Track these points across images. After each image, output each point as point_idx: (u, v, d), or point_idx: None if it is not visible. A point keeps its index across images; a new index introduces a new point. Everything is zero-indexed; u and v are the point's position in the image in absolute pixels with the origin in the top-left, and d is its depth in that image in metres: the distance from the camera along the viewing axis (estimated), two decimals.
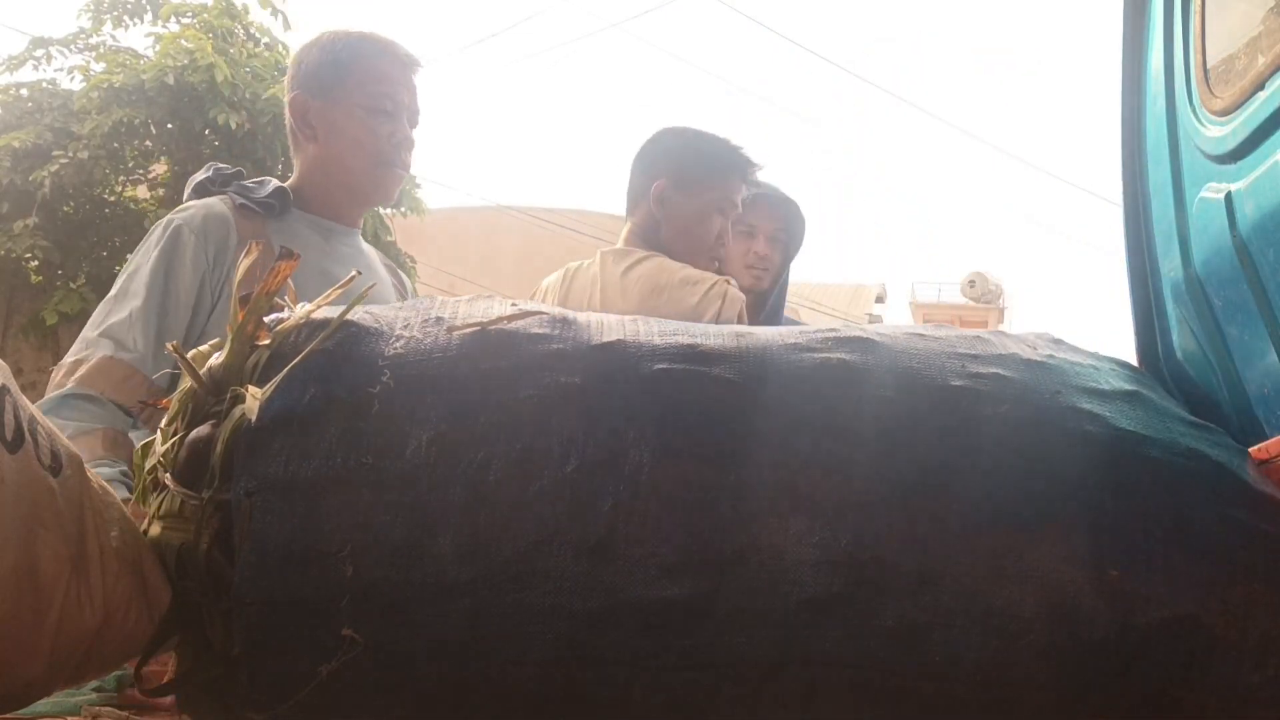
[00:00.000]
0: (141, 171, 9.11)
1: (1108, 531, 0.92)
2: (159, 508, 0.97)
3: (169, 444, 0.97)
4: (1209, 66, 1.33)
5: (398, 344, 0.98)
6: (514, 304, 1.06)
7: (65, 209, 8.66)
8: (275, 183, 1.70)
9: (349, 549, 0.89)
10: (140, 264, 1.57)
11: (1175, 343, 1.34)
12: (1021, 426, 0.96)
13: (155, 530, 0.96)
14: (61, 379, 1.46)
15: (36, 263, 8.56)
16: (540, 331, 1.00)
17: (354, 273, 1.14)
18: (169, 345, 1.02)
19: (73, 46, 9.08)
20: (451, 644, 0.92)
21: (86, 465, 0.91)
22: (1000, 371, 1.01)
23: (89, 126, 8.31)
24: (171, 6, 8.93)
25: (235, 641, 0.91)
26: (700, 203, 1.89)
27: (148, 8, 9.10)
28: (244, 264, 1.04)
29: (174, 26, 8.93)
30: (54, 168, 8.12)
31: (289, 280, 1.02)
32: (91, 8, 9.07)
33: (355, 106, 1.65)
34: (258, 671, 0.91)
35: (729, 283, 1.81)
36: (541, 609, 0.91)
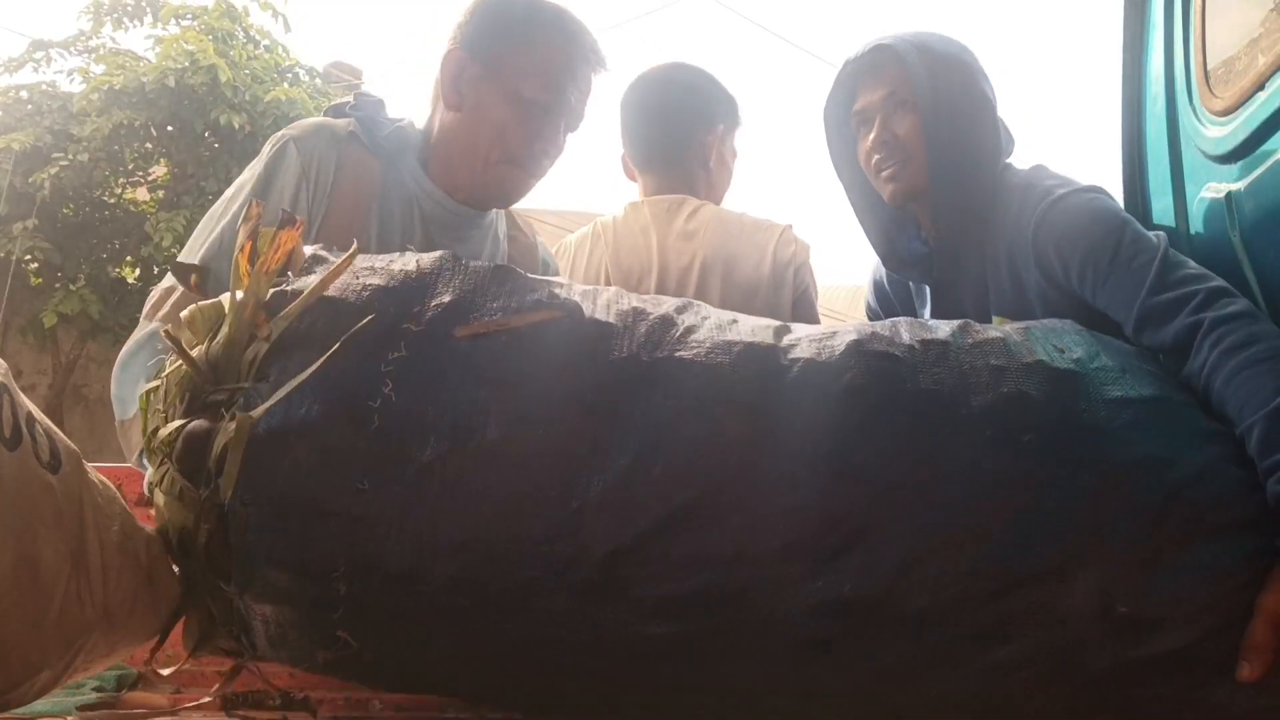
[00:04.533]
0: (141, 173, 9.12)
1: (1121, 568, 0.89)
2: (161, 480, 0.95)
3: (170, 429, 0.94)
4: (1209, 67, 1.33)
5: (402, 346, 0.92)
6: (531, 292, 0.99)
7: (65, 211, 8.67)
8: (409, 126, 1.53)
9: (343, 569, 0.88)
10: (245, 180, 1.46)
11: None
12: (1040, 458, 0.92)
13: (159, 501, 0.96)
14: (151, 311, 1.38)
15: (36, 264, 8.57)
16: (553, 340, 0.94)
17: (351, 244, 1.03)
18: (163, 329, 0.95)
19: (73, 49, 9.09)
20: (442, 656, 0.93)
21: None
22: (1026, 391, 0.96)
23: (89, 128, 8.33)
24: (171, 9, 8.95)
25: (235, 622, 0.93)
26: (733, 142, 1.89)
27: (148, 10, 9.12)
28: (243, 228, 0.99)
29: (174, 29, 8.94)
30: (54, 170, 8.13)
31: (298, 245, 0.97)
32: (91, 10, 9.08)
33: (514, 87, 1.42)
34: (260, 647, 0.95)
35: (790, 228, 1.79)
36: (532, 639, 0.91)
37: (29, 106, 8.76)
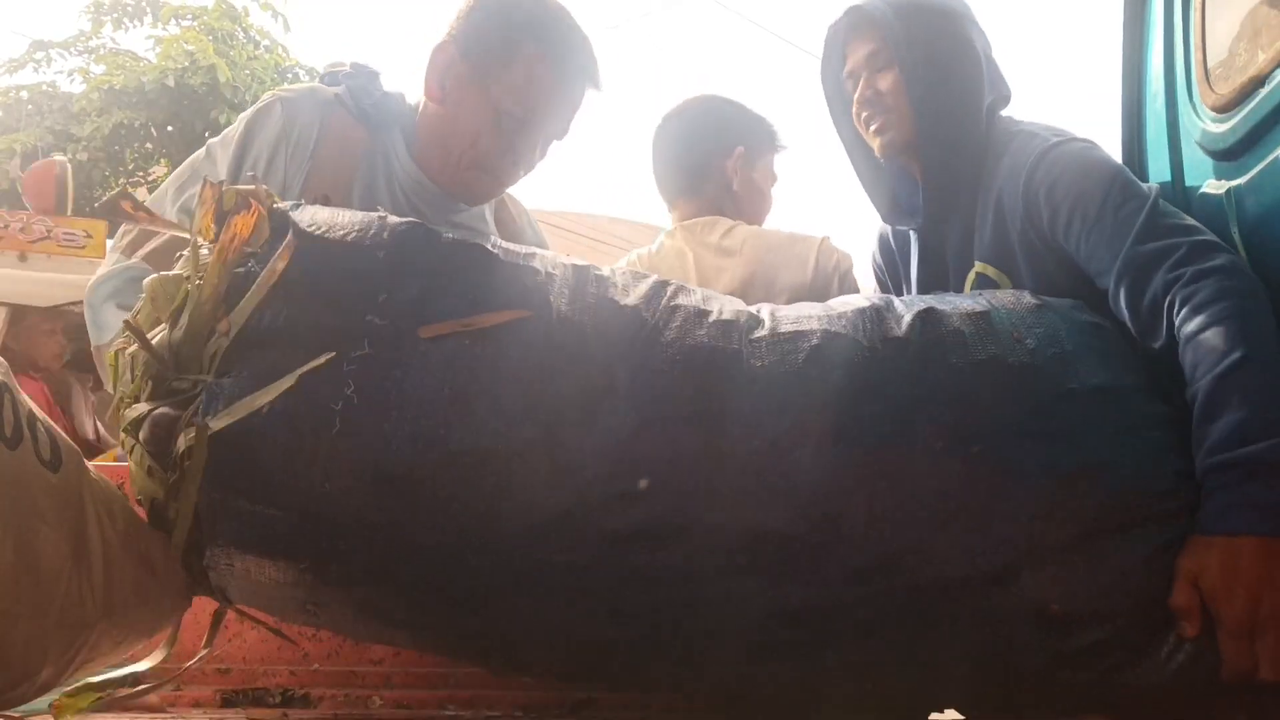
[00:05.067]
0: (142, 173, 9.12)
1: (1057, 571, 0.94)
2: (130, 450, 0.96)
3: (136, 413, 0.94)
4: (1209, 63, 1.33)
5: (365, 344, 0.90)
6: (502, 283, 0.98)
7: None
8: (399, 99, 1.52)
9: (308, 564, 0.91)
10: (229, 134, 1.47)
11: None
12: (989, 471, 0.95)
13: (131, 468, 0.97)
14: (128, 246, 1.39)
15: None
16: (517, 347, 0.93)
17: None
18: (125, 319, 0.97)
19: (73, 49, 9.09)
20: (402, 639, 1.05)
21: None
22: (979, 393, 0.99)
23: (89, 129, 8.33)
24: (171, 9, 8.95)
25: (210, 581, 0.97)
26: (765, 166, 1.89)
27: (148, 10, 9.12)
28: (200, 210, 0.99)
29: (174, 29, 8.94)
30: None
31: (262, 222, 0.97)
32: (92, 10, 9.08)
33: (494, 98, 1.40)
34: (229, 595, 1.00)
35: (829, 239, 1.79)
36: (494, 638, 0.98)
37: (29, 107, 8.76)
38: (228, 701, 1.23)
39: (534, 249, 1.06)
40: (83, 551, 0.86)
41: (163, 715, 1.15)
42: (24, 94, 8.85)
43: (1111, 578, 0.95)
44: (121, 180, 8.99)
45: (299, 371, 0.89)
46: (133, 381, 0.97)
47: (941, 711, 1.15)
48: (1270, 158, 1.17)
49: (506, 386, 0.92)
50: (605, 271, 1.06)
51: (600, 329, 0.97)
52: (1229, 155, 1.24)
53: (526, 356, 0.93)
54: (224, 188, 0.99)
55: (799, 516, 0.92)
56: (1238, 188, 1.21)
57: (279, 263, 0.93)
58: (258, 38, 9.30)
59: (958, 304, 1.10)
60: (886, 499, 0.93)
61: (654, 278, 1.07)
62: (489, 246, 1.01)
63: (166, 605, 0.95)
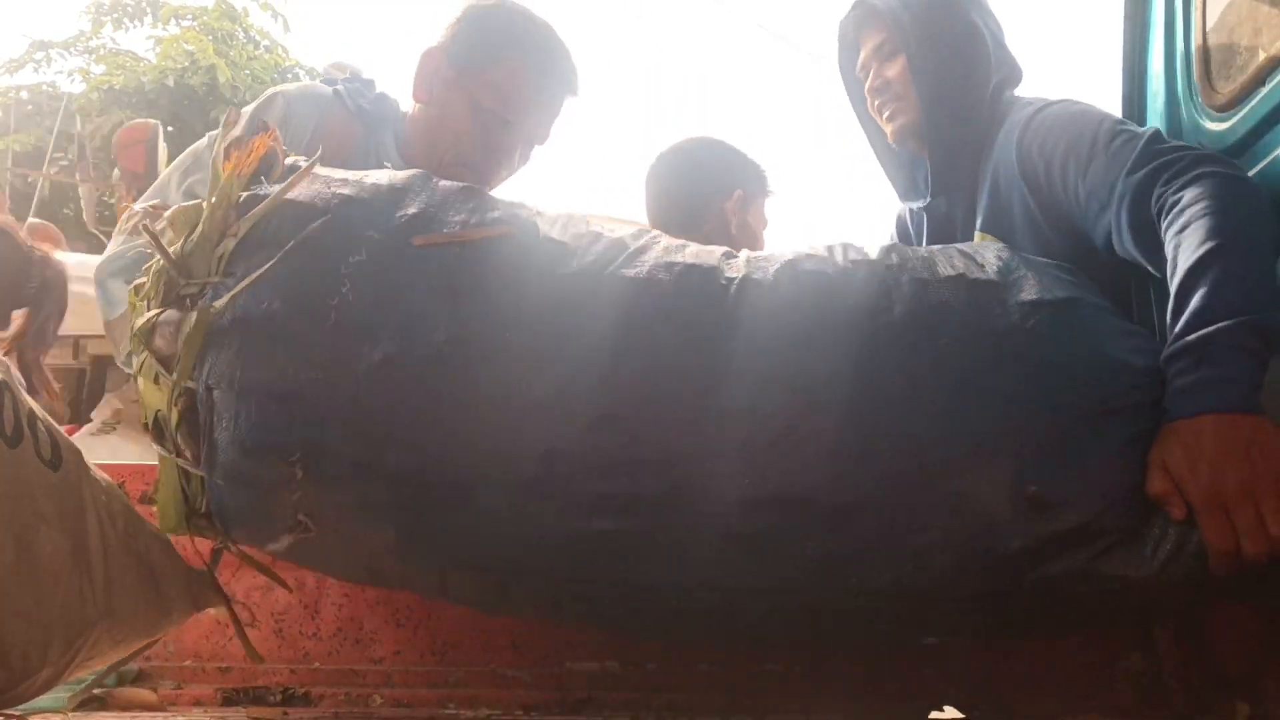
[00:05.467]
0: None
1: (1030, 451, 0.95)
2: (141, 366, 1.01)
3: (146, 319, 1.00)
4: (1210, 63, 1.33)
5: (363, 251, 0.97)
6: (492, 210, 1.04)
7: (65, 211, 8.67)
8: (394, 102, 1.59)
9: (299, 455, 0.94)
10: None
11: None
12: (960, 356, 0.99)
13: (141, 387, 1.02)
14: (132, 229, 1.44)
15: None
16: (505, 254, 1.00)
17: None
18: (142, 224, 1.03)
19: (73, 49, 9.09)
20: (390, 548, 0.98)
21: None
22: (946, 300, 1.02)
23: (89, 129, 8.32)
24: (171, 9, 8.95)
25: (206, 499, 1.00)
26: (759, 209, 1.89)
27: (148, 10, 9.12)
28: (222, 134, 1.06)
29: (174, 29, 8.94)
30: (53, 170, 8.13)
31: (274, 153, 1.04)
32: (92, 10, 9.09)
33: (477, 101, 1.48)
34: (229, 529, 1.02)
35: None
36: (476, 535, 0.97)
37: (29, 107, 8.76)
38: (228, 700, 1.23)
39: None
40: (83, 551, 0.86)
41: (163, 714, 1.15)
42: (24, 94, 8.85)
43: (1088, 465, 0.96)
44: None
45: (287, 247, 0.97)
46: (144, 299, 1.03)
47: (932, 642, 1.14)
48: (1270, 157, 1.17)
49: (494, 291, 0.97)
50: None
51: (583, 250, 1.03)
52: (1230, 154, 1.24)
53: (516, 264, 0.99)
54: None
55: (776, 397, 0.95)
56: None
57: (294, 183, 1.02)
58: (257, 38, 9.30)
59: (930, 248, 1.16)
60: (858, 385, 0.96)
61: (643, 226, 1.13)
62: (483, 188, 1.10)
63: (167, 605, 0.95)
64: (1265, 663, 1.13)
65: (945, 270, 1.06)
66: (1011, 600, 0.99)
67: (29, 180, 8.10)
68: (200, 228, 1.01)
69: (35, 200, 8.18)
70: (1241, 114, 1.22)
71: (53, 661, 0.84)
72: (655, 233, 1.10)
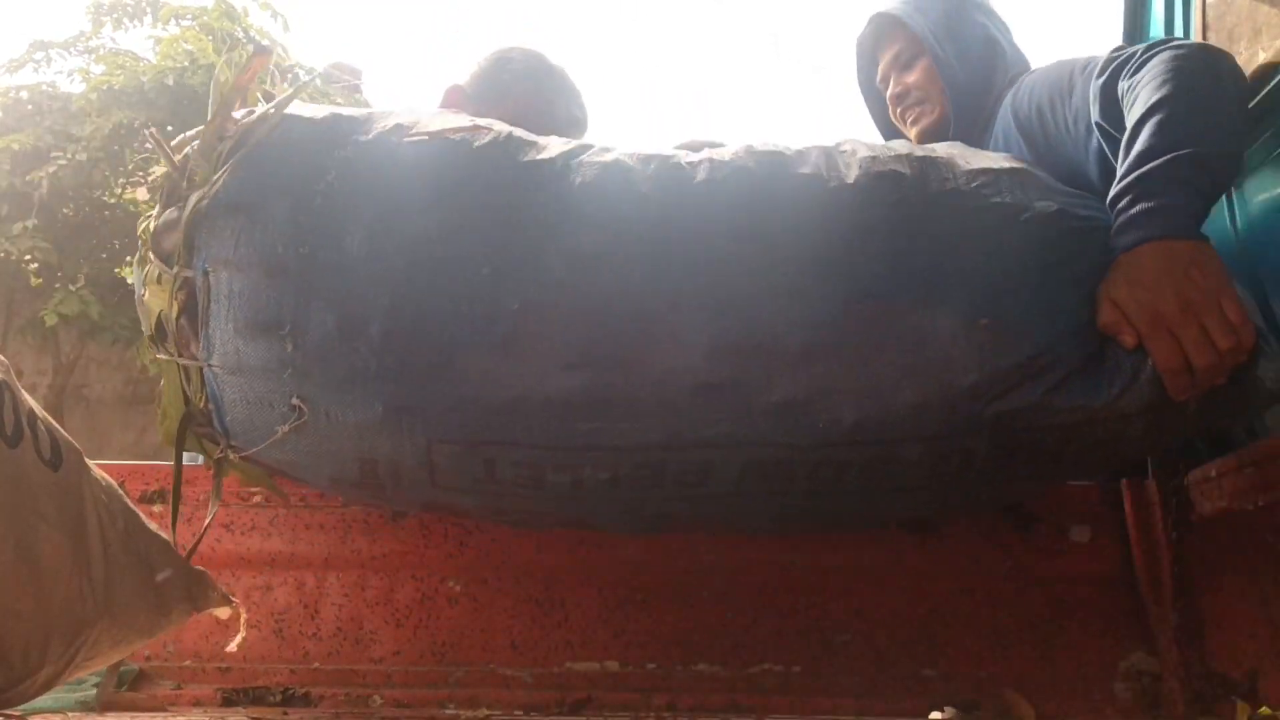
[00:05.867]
0: (141, 174, 9.11)
1: (981, 289, 1.01)
2: (146, 275, 1.07)
3: (147, 221, 1.07)
4: None
5: (349, 148, 1.05)
6: (473, 120, 1.11)
7: (65, 211, 8.66)
8: None
9: (289, 328, 1.00)
10: None
11: None
12: (912, 209, 1.04)
13: (147, 296, 1.08)
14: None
15: (36, 265, 8.56)
16: (481, 146, 1.07)
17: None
18: (149, 131, 1.12)
19: (73, 49, 9.08)
20: (377, 422, 1.02)
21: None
22: (895, 169, 1.07)
23: (89, 129, 8.32)
24: (171, 9, 8.94)
25: (206, 397, 1.05)
26: None
27: (148, 10, 9.11)
28: (241, 58, 1.12)
29: (174, 29, 8.94)
30: (52, 169, 8.12)
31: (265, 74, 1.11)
32: (91, 10, 9.08)
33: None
34: (228, 424, 1.06)
35: None
36: (457, 398, 1.01)
37: (29, 107, 8.75)
38: (228, 700, 1.24)
39: None
40: (83, 550, 0.86)
41: (163, 714, 1.15)
42: (24, 94, 8.84)
43: (1039, 300, 1.01)
44: (121, 180, 8.99)
45: (280, 104, 1.07)
46: (149, 207, 1.10)
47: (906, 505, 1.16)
48: (1269, 158, 1.17)
49: (470, 174, 1.05)
50: None
51: (553, 145, 1.10)
52: None
53: (489, 154, 1.07)
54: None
55: (737, 248, 1.01)
56: (1237, 188, 1.21)
57: (293, 97, 1.09)
58: (257, 38, 9.29)
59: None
60: (812, 237, 1.02)
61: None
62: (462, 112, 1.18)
63: (167, 605, 0.95)
64: (1265, 663, 1.13)
65: (892, 151, 1.12)
66: (974, 441, 1.03)
67: (28, 180, 8.10)
68: (202, 134, 1.07)
69: (36, 200, 8.19)
70: None
71: (52, 661, 0.84)
72: (621, 144, 1.16)
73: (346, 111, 1.11)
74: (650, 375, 1.00)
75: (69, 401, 9.05)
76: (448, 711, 1.21)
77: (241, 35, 9.08)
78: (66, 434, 0.91)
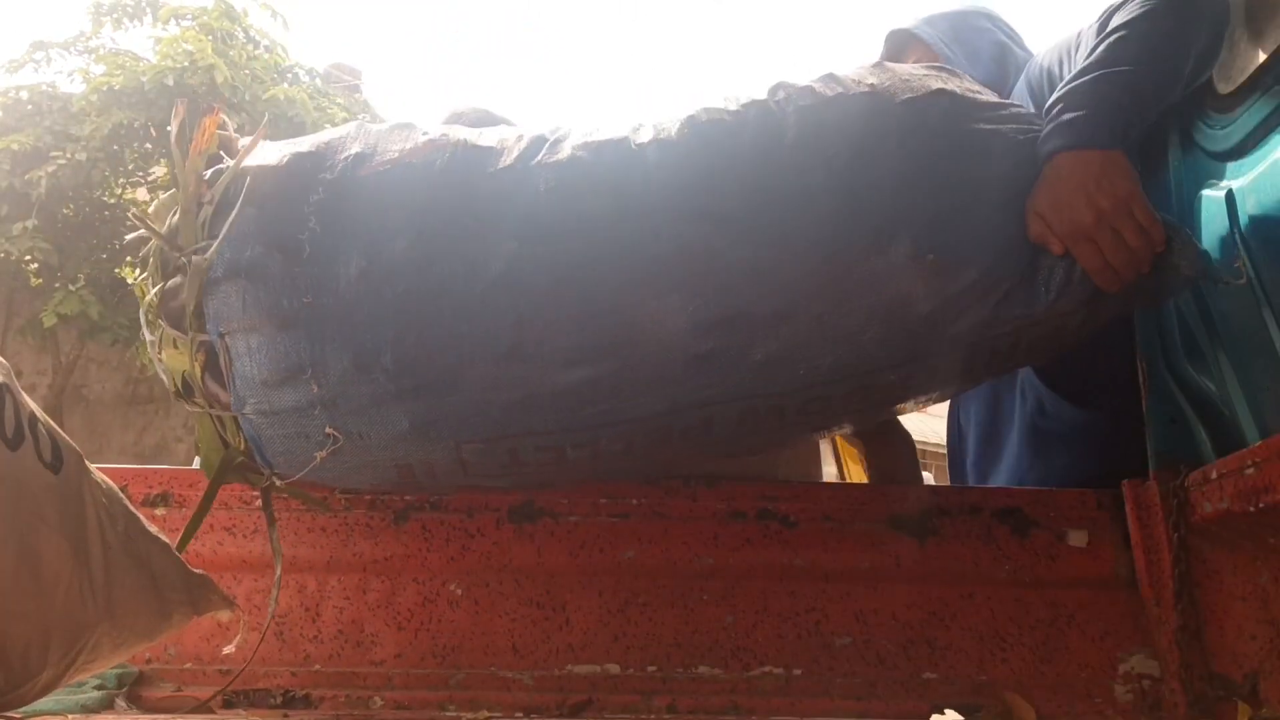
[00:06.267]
0: (141, 174, 9.11)
1: (924, 227, 1.09)
2: (160, 339, 1.13)
3: (152, 295, 1.13)
4: None
5: (320, 190, 1.11)
6: (424, 134, 1.17)
7: (65, 211, 8.66)
8: None
9: (310, 372, 1.08)
10: None
11: (1178, 340, 1.34)
12: (850, 163, 1.11)
13: (165, 358, 1.13)
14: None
15: (36, 265, 8.56)
16: (443, 166, 1.14)
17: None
18: (131, 211, 1.19)
19: (72, 49, 9.08)
20: (406, 436, 1.11)
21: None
22: (828, 120, 1.14)
23: (89, 129, 8.32)
24: (170, 9, 8.94)
25: (244, 439, 1.13)
26: None
27: (147, 10, 9.11)
28: (173, 123, 1.18)
29: (173, 29, 8.93)
30: (52, 169, 8.12)
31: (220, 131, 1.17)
32: (91, 10, 9.08)
33: None
34: (269, 458, 1.14)
35: None
36: (474, 404, 1.10)
37: (29, 107, 8.75)
38: (228, 702, 1.23)
39: None
40: (83, 553, 0.86)
41: (163, 715, 1.15)
42: (23, 94, 8.84)
43: (976, 227, 1.11)
44: (121, 180, 8.99)
45: (241, 157, 1.13)
46: (147, 280, 1.16)
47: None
48: (1271, 158, 1.17)
49: (440, 193, 1.12)
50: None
51: (509, 150, 1.16)
52: (1230, 156, 1.24)
53: (454, 170, 1.13)
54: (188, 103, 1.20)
55: (697, 231, 1.09)
56: (1239, 189, 1.21)
57: (250, 149, 1.15)
58: (257, 37, 9.29)
59: None
60: (763, 207, 1.10)
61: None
62: (414, 122, 1.24)
63: (168, 608, 0.95)
64: (1266, 664, 1.13)
65: (825, 92, 1.18)
66: (938, 358, 1.15)
67: (28, 180, 8.10)
68: (180, 205, 1.13)
69: (35, 200, 8.18)
70: (1241, 116, 1.22)
71: (53, 664, 0.84)
72: (566, 125, 1.21)
73: (302, 146, 1.16)
74: (645, 357, 1.09)
75: (68, 401, 9.05)
76: (448, 714, 1.21)
77: (241, 35, 9.08)
78: (67, 437, 0.91)
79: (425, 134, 1.17)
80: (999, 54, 1.54)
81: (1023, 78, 1.47)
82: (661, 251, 1.09)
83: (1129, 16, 1.14)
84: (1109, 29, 1.15)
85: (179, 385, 1.14)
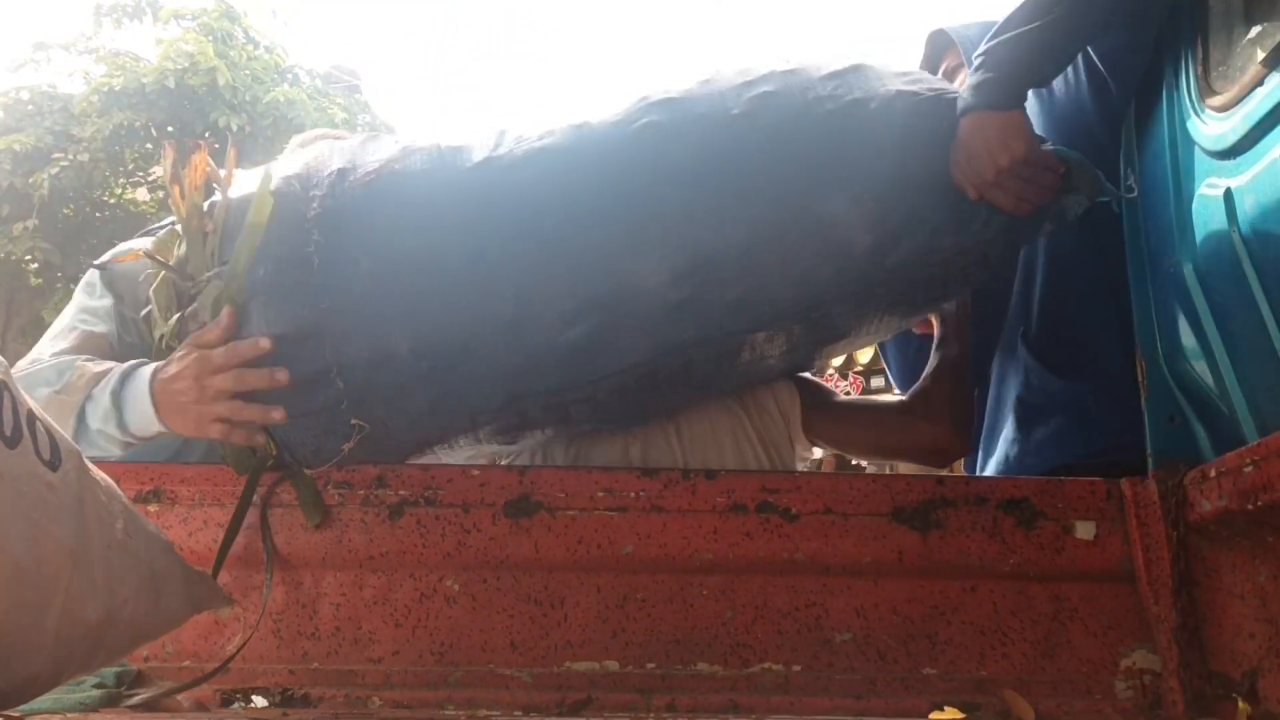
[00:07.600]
0: (142, 174, 9.13)
1: (862, 175, 1.27)
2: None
3: (171, 323, 1.25)
4: (1209, 62, 1.33)
5: (315, 205, 1.24)
6: (396, 141, 1.30)
7: (65, 211, 8.67)
8: None
9: (335, 370, 1.22)
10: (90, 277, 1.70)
11: (1177, 339, 1.34)
12: (784, 128, 1.29)
13: None
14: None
15: (36, 265, 8.56)
16: (425, 165, 1.28)
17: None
18: (139, 251, 1.29)
19: (73, 49, 9.08)
20: (426, 413, 1.27)
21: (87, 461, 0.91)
22: (764, 90, 1.31)
23: (89, 129, 8.33)
24: (171, 9, 8.94)
25: (274, 444, 1.26)
26: None
27: (147, 10, 9.11)
28: (166, 163, 1.28)
29: (174, 29, 8.93)
30: (53, 170, 8.12)
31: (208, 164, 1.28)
32: (92, 11, 9.08)
33: None
34: (299, 456, 1.28)
35: None
36: (484, 374, 1.25)
37: (30, 107, 8.75)
38: (227, 701, 1.23)
39: None
40: (83, 552, 0.85)
41: (162, 714, 1.15)
42: (24, 94, 8.84)
43: (907, 174, 1.28)
44: (122, 181, 8.99)
45: (269, 179, 1.27)
46: (160, 313, 1.28)
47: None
48: (1270, 158, 1.17)
49: (426, 192, 1.26)
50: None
51: (482, 144, 1.31)
52: (1228, 155, 1.24)
53: (435, 170, 1.28)
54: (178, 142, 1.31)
55: (668, 195, 1.25)
56: (1236, 188, 1.21)
57: (229, 173, 1.28)
58: (258, 38, 9.29)
59: None
60: (717, 168, 1.27)
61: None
62: (384, 134, 1.42)
63: (167, 605, 0.95)
64: (1265, 662, 1.13)
65: (762, 70, 1.34)
66: (886, 288, 1.33)
67: (29, 180, 8.10)
68: (184, 238, 1.25)
69: (36, 200, 8.18)
70: (1240, 115, 1.21)
71: (53, 662, 0.84)
72: (516, 121, 1.35)
73: (279, 168, 1.28)
74: (632, 309, 1.25)
75: None
76: (447, 712, 1.21)
77: (241, 36, 9.08)
78: (66, 436, 0.91)
79: (397, 142, 1.31)
80: None
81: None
82: (637, 212, 1.25)
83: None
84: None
85: None
